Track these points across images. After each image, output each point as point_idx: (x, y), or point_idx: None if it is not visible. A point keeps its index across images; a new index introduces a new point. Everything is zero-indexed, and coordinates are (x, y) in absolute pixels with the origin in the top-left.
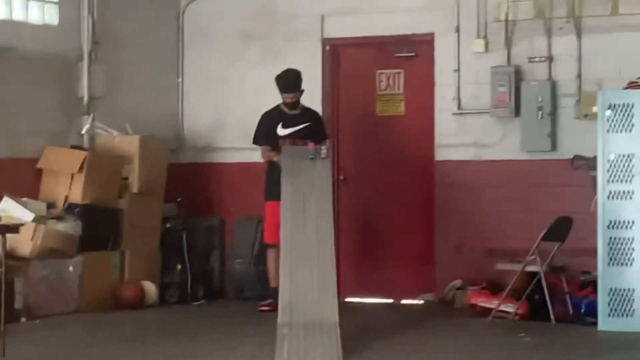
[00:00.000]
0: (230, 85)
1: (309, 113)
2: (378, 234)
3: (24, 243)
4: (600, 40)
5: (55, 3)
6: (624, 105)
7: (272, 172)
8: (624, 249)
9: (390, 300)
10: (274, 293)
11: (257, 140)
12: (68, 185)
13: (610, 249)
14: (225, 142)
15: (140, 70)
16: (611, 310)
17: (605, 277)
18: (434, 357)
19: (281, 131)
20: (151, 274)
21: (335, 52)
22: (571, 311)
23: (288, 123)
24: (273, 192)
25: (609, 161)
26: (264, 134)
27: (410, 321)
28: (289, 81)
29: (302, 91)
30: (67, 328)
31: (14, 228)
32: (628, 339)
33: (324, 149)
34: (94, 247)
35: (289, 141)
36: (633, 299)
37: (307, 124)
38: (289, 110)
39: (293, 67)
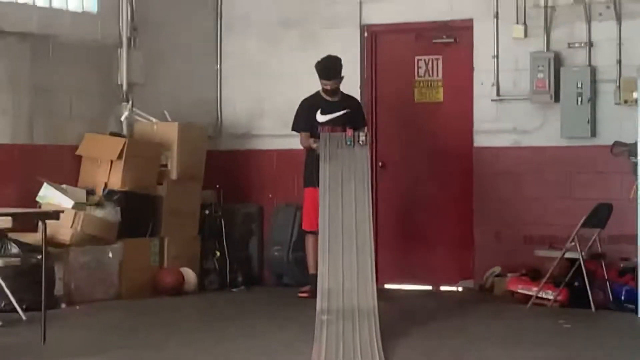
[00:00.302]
0: (269, 71)
1: (348, 100)
2: (417, 220)
3: (64, 230)
4: None
5: None
6: None
7: (312, 158)
8: None
9: (429, 287)
10: (312, 280)
11: (296, 127)
12: (107, 172)
13: None
14: (263, 129)
15: (178, 57)
16: None
17: None
18: (473, 343)
19: (320, 118)
20: (190, 261)
21: (374, 38)
22: (611, 298)
23: (327, 110)
24: (312, 178)
25: None
26: (303, 120)
27: (449, 308)
28: (330, 68)
29: (342, 78)
30: (107, 314)
31: (54, 215)
32: None
33: (362, 136)
34: (133, 234)
35: (328, 128)
36: None
37: (346, 110)
38: (329, 97)
39: (332, 53)
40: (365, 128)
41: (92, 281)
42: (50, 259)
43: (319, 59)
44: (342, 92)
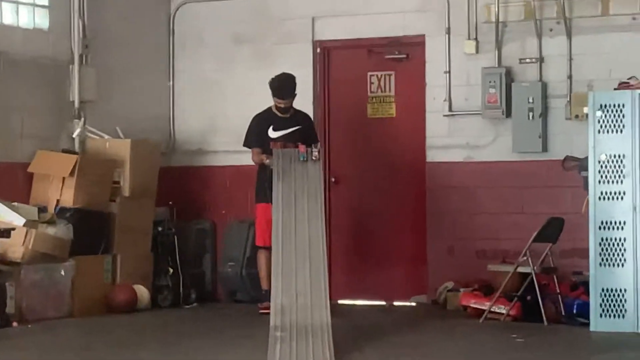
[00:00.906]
0: (222, 88)
1: (300, 116)
2: (370, 235)
3: (15, 247)
4: (591, 41)
5: (45, 7)
6: (614, 105)
7: (263, 174)
8: (616, 250)
9: (383, 302)
10: (267, 295)
11: (248, 143)
12: (59, 189)
13: (602, 249)
14: (216, 145)
15: (131, 74)
16: (603, 310)
17: (597, 277)
18: (426, 358)
19: (272, 134)
20: (143, 278)
21: (326, 54)
22: (563, 312)
23: (279, 125)
24: (264, 194)
25: (600, 162)
26: (255, 136)
27: (403, 323)
28: (283, 88)
29: (295, 96)
30: (60, 332)
31: (6, 232)
32: (620, 339)
33: (315, 151)
34: (86, 251)
35: (280, 144)
36: (625, 300)
37: (299, 127)
38: (281, 114)
39: (284, 69)
40: (319, 144)
41: (44, 299)
42: (1, 277)
43: (273, 77)
44: (294, 108)
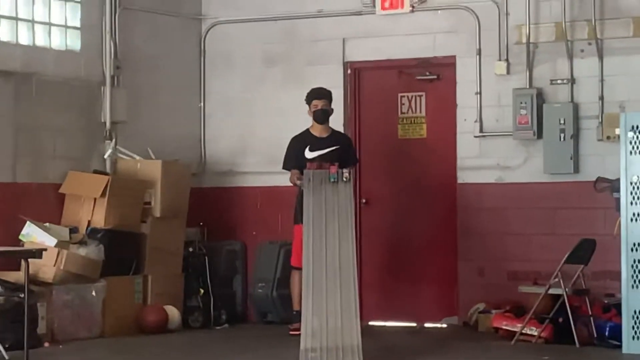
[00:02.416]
0: (253, 108)
1: (338, 136)
2: (401, 256)
3: (47, 268)
4: (622, 62)
5: (77, 28)
6: None
7: (301, 195)
8: None
9: (414, 324)
10: (298, 316)
11: (285, 165)
12: (91, 209)
13: (634, 271)
14: (247, 166)
15: (162, 95)
16: (635, 332)
17: (629, 299)
18: None
19: (309, 154)
20: (174, 299)
21: (357, 75)
22: (595, 334)
23: (316, 146)
24: (302, 215)
25: (632, 183)
26: (292, 157)
27: (434, 345)
28: (319, 89)
29: (331, 107)
30: (91, 353)
31: (37, 253)
32: None
33: (346, 172)
34: (117, 272)
35: (316, 164)
36: None
37: (336, 147)
38: (318, 134)
39: None
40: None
41: (75, 320)
42: (33, 297)
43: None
44: (332, 129)
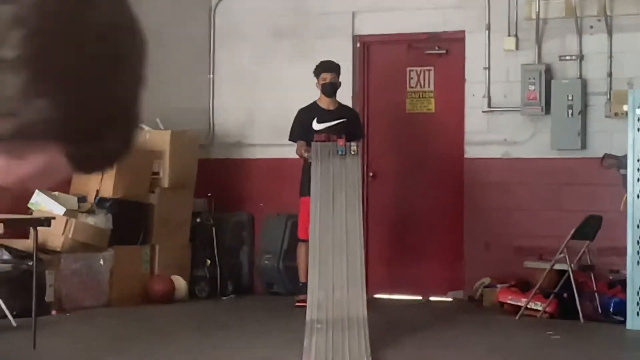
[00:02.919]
0: (261, 81)
1: (345, 110)
2: (407, 230)
3: (55, 236)
4: (631, 38)
5: None
6: None
7: (308, 168)
8: None
9: (419, 297)
10: (304, 288)
11: (292, 136)
12: (99, 179)
13: None
14: (255, 138)
15: (171, 66)
16: None
17: (634, 276)
18: (462, 354)
19: (316, 126)
20: (181, 269)
21: (366, 49)
22: (600, 310)
23: (323, 118)
24: (308, 188)
25: (639, 160)
26: (299, 129)
27: (439, 318)
28: (328, 62)
29: (339, 81)
30: (98, 321)
31: (46, 221)
32: None
33: (354, 145)
34: (125, 241)
35: (324, 136)
36: None
37: (343, 119)
38: (325, 106)
39: None
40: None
41: (83, 288)
42: (41, 265)
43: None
44: (339, 102)
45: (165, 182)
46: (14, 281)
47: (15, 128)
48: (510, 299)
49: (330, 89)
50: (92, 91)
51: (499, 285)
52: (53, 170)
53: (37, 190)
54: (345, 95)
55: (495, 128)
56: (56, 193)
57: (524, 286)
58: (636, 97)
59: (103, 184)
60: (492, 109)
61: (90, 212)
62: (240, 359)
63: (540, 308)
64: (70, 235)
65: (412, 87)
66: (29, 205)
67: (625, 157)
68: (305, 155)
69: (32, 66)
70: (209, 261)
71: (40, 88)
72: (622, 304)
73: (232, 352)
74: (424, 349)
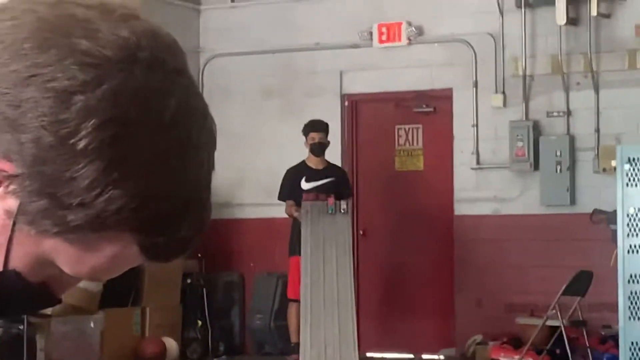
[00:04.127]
0: (250, 140)
1: (334, 169)
2: (398, 288)
3: None
4: (618, 94)
5: None
6: None
7: (297, 227)
8: None
9: (411, 355)
10: (296, 348)
11: (281, 196)
12: None
13: (631, 303)
14: (245, 198)
15: None
16: None
17: (627, 331)
18: None
19: (305, 185)
20: (172, 330)
21: (354, 107)
22: None
23: (312, 177)
24: (297, 247)
25: (628, 215)
26: (288, 189)
27: None
28: (317, 122)
29: (328, 140)
30: None
31: None
32: None
33: (343, 204)
34: (115, 304)
35: (312, 195)
36: None
37: (331, 179)
38: (314, 165)
39: None
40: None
41: (74, 351)
42: (31, 329)
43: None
44: (327, 162)
45: None
46: (5, 346)
47: (88, 219)
48: (502, 356)
49: (318, 149)
50: (165, 179)
51: (491, 342)
52: (125, 260)
53: None
54: (334, 153)
55: (484, 185)
56: None
57: (516, 343)
58: (624, 152)
59: None
60: (480, 166)
61: None
62: None
63: None
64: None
65: (400, 145)
66: None
67: (614, 212)
68: (295, 214)
69: (104, 156)
70: (200, 322)
71: (113, 178)
72: None
73: None
74: None
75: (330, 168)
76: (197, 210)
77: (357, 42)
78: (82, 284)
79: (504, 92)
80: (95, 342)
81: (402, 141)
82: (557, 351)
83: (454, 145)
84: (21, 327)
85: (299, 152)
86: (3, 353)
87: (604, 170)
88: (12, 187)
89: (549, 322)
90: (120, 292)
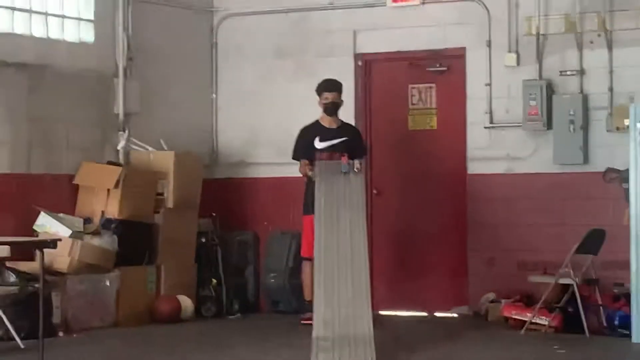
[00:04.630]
0: (264, 100)
1: (347, 128)
2: (411, 247)
3: (61, 258)
4: (632, 53)
5: (90, 21)
6: None
7: (311, 186)
8: None
9: (424, 313)
10: (309, 306)
11: (295, 155)
12: (104, 200)
13: None
14: (258, 157)
15: (174, 87)
16: None
17: (639, 289)
18: None
19: (318, 144)
20: (187, 288)
21: (368, 66)
22: (605, 323)
23: (326, 136)
24: (310, 206)
25: None
26: (302, 148)
27: (444, 334)
28: (330, 81)
29: (341, 95)
30: (104, 342)
31: (52, 243)
32: None
33: (357, 163)
34: (130, 262)
35: (326, 154)
36: None
37: (345, 138)
38: (327, 125)
39: None
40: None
41: (89, 309)
42: (47, 287)
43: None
44: (341, 121)
45: (170, 203)
46: (21, 303)
47: None
48: (515, 314)
49: (332, 109)
50: None
51: (503, 300)
52: None
53: (42, 212)
54: (348, 113)
55: (498, 144)
56: (61, 215)
57: (528, 301)
58: (637, 111)
59: (108, 205)
60: (494, 125)
61: (95, 233)
62: None
63: (545, 322)
64: (76, 257)
65: (414, 105)
66: (34, 227)
67: (627, 171)
68: (309, 173)
69: None
70: (214, 280)
71: None
72: (627, 318)
73: None
74: None
75: (344, 127)
76: None
77: (370, 2)
78: (98, 243)
79: (517, 51)
80: (110, 300)
81: (415, 100)
82: (570, 309)
83: (467, 105)
84: (37, 285)
85: (312, 111)
86: (20, 310)
87: (617, 129)
88: None
89: (562, 280)
90: (135, 250)
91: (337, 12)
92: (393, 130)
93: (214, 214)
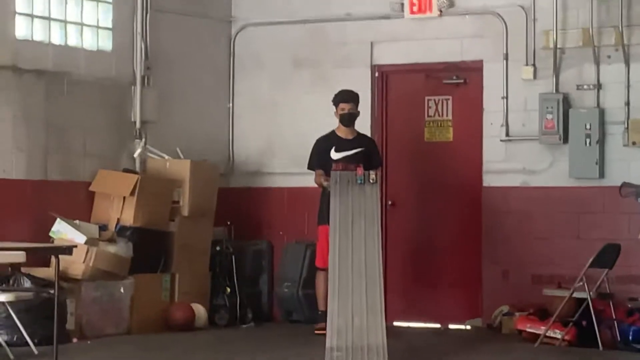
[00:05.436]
0: (280, 110)
1: (363, 139)
2: (425, 258)
3: (76, 265)
4: None
5: (108, 29)
6: None
7: (326, 196)
8: None
9: (438, 325)
10: (323, 316)
11: (310, 165)
12: (120, 208)
13: None
14: (274, 167)
15: (191, 95)
16: None
17: None
18: None
19: (334, 155)
20: (201, 297)
21: (385, 78)
22: (619, 338)
23: (341, 147)
24: (326, 216)
25: None
26: (317, 158)
27: (458, 346)
28: (347, 92)
29: (358, 106)
30: (118, 349)
31: (67, 250)
32: None
33: (372, 174)
34: (145, 269)
35: (342, 165)
36: None
37: (361, 148)
38: (343, 135)
39: None
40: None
41: (104, 316)
42: (62, 293)
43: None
44: (357, 132)
45: (185, 211)
46: (35, 309)
47: None
48: (529, 327)
49: (348, 119)
50: None
51: (517, 313)
52: None
53: (58, 219)
54: (364, 124)
55: (514, 157)
56: (77, 221)
57: (542, 314)
58: None
59: (124, 212)
60: (510, 138)
61: (111, 240)
62: None
63: (559, 336)
64: (91, 264)
65: (430, 116)
66: (50, 234)
67: None
68: (325, 184)
69: None
70: (228, 289)
71: None
72: None
73: None
74: None
75: (360, 138)
76: None
77: (388, 13)
78: (113, 250)
79: (534, 65)
80: (124, 307)
81: (431, 112)
82: (584, 323)
83: (484, 117)
84: (52, 291)
85: (328, 121)
86: (34, 316)
87: (634, 143)
88: None
89: (576, 294)
90: (150, 258)
91: (354, 23)
92: (409, 141)
93: (229, 223)
